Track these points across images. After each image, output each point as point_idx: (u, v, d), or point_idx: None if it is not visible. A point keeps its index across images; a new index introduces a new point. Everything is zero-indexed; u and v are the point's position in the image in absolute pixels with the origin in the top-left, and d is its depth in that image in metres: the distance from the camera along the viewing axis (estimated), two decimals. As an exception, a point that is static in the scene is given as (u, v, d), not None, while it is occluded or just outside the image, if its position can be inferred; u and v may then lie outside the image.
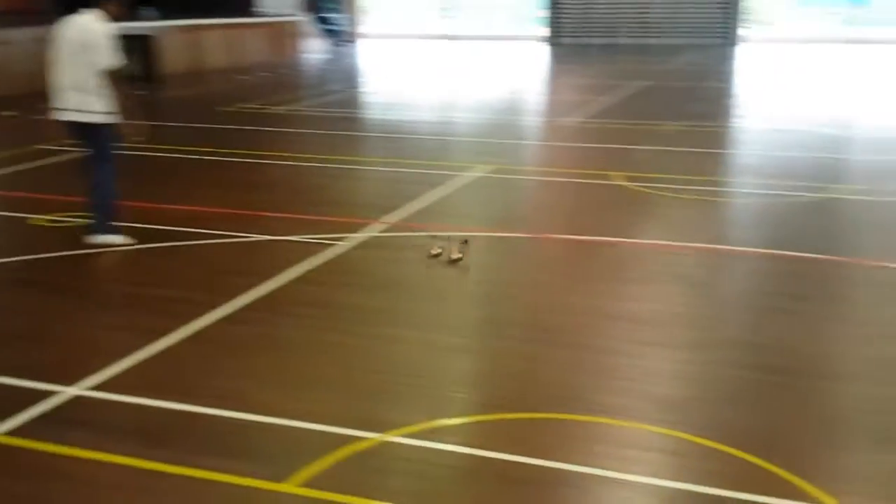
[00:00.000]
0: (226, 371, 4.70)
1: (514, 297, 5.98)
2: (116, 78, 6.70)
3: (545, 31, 32.64)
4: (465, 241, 6.62)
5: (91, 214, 6.96)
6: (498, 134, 12.71)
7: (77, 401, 4.32)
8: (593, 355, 4.91)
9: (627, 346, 5.02)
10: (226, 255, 6.76)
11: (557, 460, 3.81)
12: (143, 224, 7.33)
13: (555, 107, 16.83)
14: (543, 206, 8.68)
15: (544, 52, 29.48)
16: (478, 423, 4.20)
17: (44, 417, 4.15)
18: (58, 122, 6.85)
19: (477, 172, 9.62)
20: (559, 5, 32.39)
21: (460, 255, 6.47)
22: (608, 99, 16.15)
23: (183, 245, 6.92)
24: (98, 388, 4.44)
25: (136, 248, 6.82)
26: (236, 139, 11.89)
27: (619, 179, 9.20)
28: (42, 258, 6.65)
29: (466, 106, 16.35)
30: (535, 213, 8.43)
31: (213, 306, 5.55)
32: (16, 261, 6.66)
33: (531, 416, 4.23)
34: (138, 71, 18.13)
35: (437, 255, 6.54)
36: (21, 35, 16.12)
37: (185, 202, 8.15)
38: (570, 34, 32.16)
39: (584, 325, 5.38)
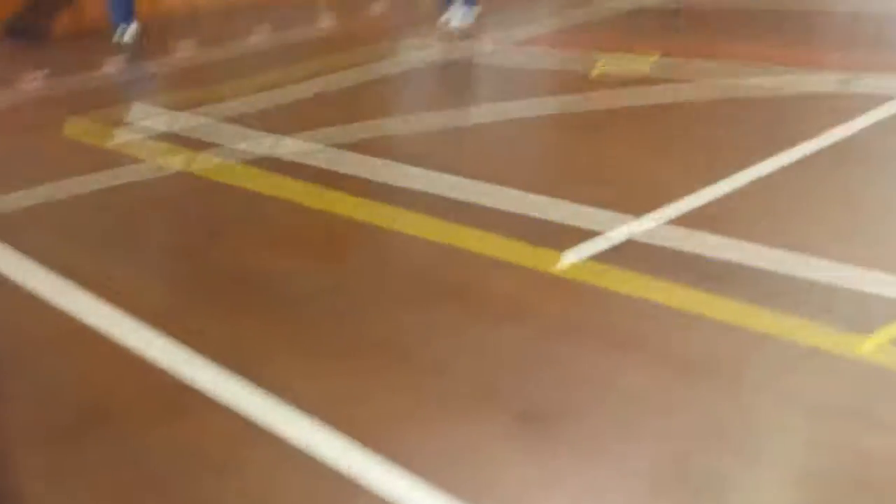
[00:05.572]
0: (791, 218, 4.56)
1: None
2: None
3: None
4: None
5: None
6: None
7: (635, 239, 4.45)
8: None
9: None
10: (786, 105, 6.46)
11: None
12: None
13: None
14: None
15: None
16: None
17: (612, 250, 4.36)
18: None
19: None
20: None
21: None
22: None
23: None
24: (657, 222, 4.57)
25: (714, 100, 6.74)
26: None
27: None
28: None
29: None
30: None
31: (773, 155, 5.36)
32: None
33: None
34: None
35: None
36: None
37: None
38: None
39: None
